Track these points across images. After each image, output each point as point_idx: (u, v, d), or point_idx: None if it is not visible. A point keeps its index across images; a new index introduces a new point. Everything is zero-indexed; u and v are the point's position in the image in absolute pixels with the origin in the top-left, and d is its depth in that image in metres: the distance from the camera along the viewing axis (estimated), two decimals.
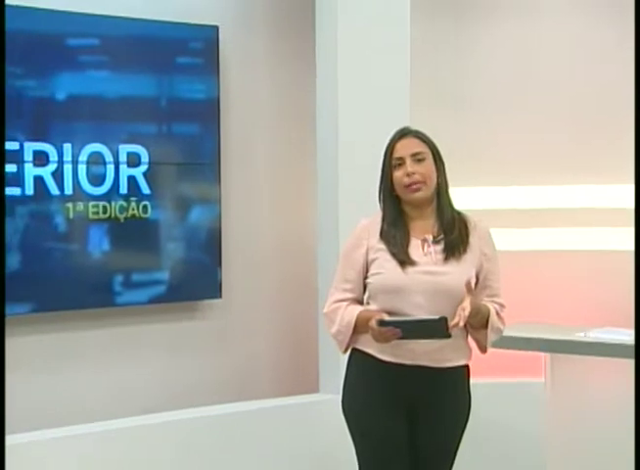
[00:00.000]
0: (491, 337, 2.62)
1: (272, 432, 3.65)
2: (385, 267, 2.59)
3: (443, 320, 2.43)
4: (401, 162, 2.62)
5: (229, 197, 3.85)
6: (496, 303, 2.64)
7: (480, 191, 4.03)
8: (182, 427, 3.51)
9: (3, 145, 3.13)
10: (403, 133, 2.67)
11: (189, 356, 3.83)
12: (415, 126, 2.75)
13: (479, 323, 2.59)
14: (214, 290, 3.79)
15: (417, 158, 2.61)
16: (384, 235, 2.64)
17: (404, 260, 2.56)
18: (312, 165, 3.88)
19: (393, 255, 2.59)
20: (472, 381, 2.72)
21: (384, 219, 2.68)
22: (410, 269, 2.55)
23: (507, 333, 2.85)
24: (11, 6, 3.13)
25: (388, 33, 3.72)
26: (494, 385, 3.79)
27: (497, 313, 2.62)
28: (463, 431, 2.71)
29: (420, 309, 2.52)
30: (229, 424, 3.60)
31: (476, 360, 2.72)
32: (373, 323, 2.48)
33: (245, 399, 3.79)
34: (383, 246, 2.62)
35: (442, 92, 4.08)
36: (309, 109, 3.87)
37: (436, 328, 2.45)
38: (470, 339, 2.67)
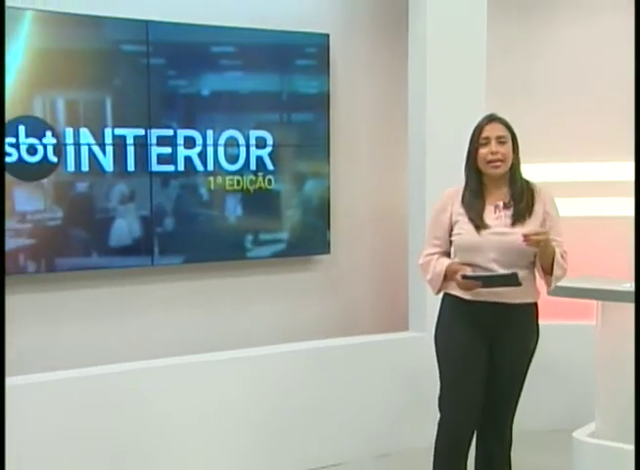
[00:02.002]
0: (557, 271, 2.80)
1: (369, 361, 3.94)
2: (463, 229, 2.88)
3: (514, 275, 2.71)
4: (487, 141, 2.85)
5: (336, 172, 4.12)
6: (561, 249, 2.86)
7: (544, 167, 4.18)
8: (297, 357, 3.82)
9: (3, 142, 3.24)
10: (491, 118, 2.90)
11: (303, 301, 4.15)
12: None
13: (546, 261, 2.80)
14: (324, 247, 4.10)
15: (500, 140, 2.85)
16: (465, 201, 2.90)
17: (479, 224, 2.85)
18: (404, 147, 4.11)
19: (471, 219, 2.87)
20: (540, 323, 2.92)
21: (466, 187, 2.91)
22: (484, 231, 2.84)
23: (567, 284, 3.14)
24: (167, 23, 3.65)
25: (468, 38, 3.94)
26: (557, 326, 3.96)
27: (561, 255, 2.84)
28: (531, 356, 2.92)
29: (493, 263, 2.81)
30: (335, 355, 3.90)
31: (543, 307, 2.94)
32: (458, 277, 2.79)
33: (348, 335, 4.11)
34: (463, 211, 2.89)
35: (514, 85, 4.26)
36: (403, 100, 4.09)
37: (508, 279, 2.73)
38: (537, 283, 2.90)
